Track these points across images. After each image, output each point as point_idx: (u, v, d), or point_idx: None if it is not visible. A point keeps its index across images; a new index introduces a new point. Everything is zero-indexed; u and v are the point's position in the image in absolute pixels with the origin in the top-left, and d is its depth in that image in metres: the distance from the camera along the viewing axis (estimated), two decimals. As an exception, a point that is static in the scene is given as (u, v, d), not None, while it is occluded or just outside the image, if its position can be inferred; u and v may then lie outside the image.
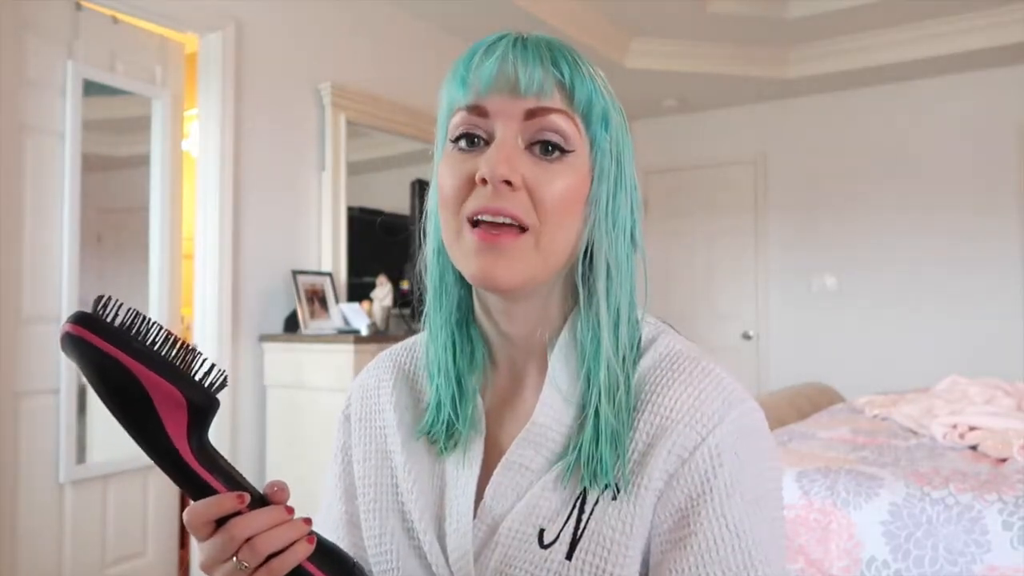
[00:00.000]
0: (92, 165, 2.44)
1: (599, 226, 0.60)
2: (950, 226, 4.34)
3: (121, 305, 0.52)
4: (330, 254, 3.08)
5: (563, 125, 0.58)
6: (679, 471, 0.57)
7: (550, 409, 0.61)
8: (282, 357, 2.77)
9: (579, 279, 0.62)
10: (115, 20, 2.53)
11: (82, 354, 0.51)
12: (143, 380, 0.51)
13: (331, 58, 3.16)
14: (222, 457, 0.55)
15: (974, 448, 1.92)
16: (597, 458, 0.57)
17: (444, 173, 0.60)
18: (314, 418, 2.65)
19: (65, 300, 2.33)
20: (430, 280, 0.66)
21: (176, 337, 0.53)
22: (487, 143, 0.59)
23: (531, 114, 0.58)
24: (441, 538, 0.63)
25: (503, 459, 0.62)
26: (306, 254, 3.04)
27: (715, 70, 4.38)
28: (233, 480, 0.54)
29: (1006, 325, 4.17)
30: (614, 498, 0.58)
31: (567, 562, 0.57)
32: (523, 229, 0.57)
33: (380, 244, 3.28)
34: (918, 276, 4.41)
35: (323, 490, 0.76)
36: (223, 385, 0.54)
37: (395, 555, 0.65)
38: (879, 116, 4.57)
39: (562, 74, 0.58)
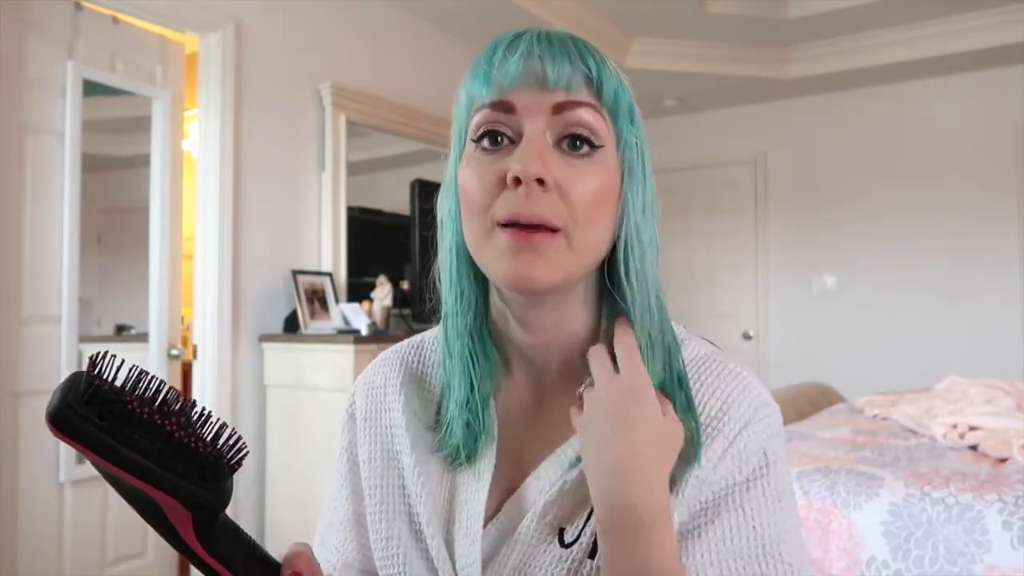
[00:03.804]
0: (92, 165, 2.44)
1: (631, 226, 0.59)
2: (950, 226, 4.34)
3: (119, 368, 0.46)
4: (330, 254, 3.08)
5: (591, 119, 0.57)
6: (708, 476, 0.58)
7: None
8: (282, 357, 2.77)
9: (608, 282, 0.61)
10: (115, 20, 2.53)
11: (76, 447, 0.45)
12: (139, 488, 0.46)
13: (331, 58, 3.16)
14: (240, 538, 0.53)
15: (974, 448, 1.92)
16: None
17: (467, 175, 0.58)
18: (314, 418, 2.65)
19: (65, 300, 2.33)
20: (448, 287, 0.63)
21: (180, 402, 0.48)
22: (512, 142, 0.57)
23: (559, 108, 0.56)
24: (449, 543, 0.62)
25: (533, 474, 0.61)
26: (306, 254, 3.04)
27: (715, 70, 4.38)
28: (249, 565, 0.52)
29: (1006, 325, 4.17)
30: None
31: (589, 561, 0.57)
32: (554, 230, 0.55)
33: (380, 244, 3.28)
34: (918, 276, 4.41)
35: (326, 490, 0.74)
36: (240, 461, 0.50)
37: (402, 559, 0.64)
38: (879, 116, 4.57)
39: (589, 68, 0.57)
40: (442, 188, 0.65)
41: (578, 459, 0.60)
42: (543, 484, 0.61)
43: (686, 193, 5.15)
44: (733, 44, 4.30)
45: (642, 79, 4.42)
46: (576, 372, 0.62)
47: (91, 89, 2.42)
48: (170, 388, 0.48)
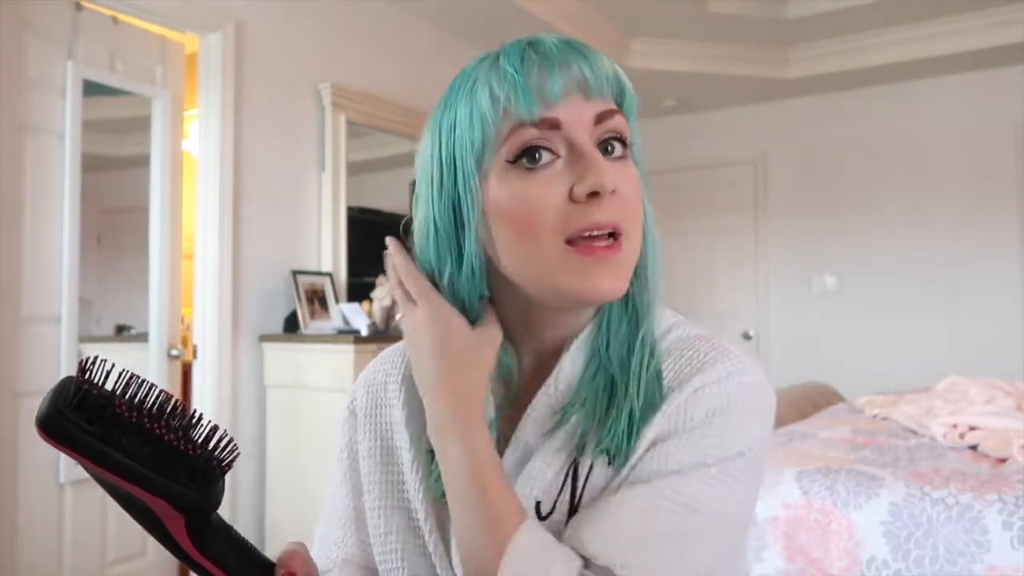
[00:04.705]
0: (92, 165, 2.44)
1: (649, 220, 0.62)
2: (950, 226, 4.34)
3: (108, 372, 0.46)
4: (330, 254, 3.08)
5: (622, 125, 0.59)
6: (664, 425, 0.58)
7: (552, 388, 0.62)
8: (282, 357, 2.77)
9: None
10: (115, 20, 2.53)
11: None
12: (131, 492, 0.47)
13: (331, 58, 3.16)
14: (233, 539, 0.53)
15: (974, 448, 1.92)
16: (618, 435, 0.57)
17: (514, 197, 0.56)
18: (314, 418, 2.65)
19: (65, 300, 2.32)
20: (467, 307, 0.61)
21: (170, 406, 0.48)
22: (554, 155, 0.56)
23: (600, 118, 0.57)
24: (446, 539, 0.63)
25: (512, 439, 0.62)
26: (306, 254, 3.04)
27: (715, 70, 4.39)
28: (242, 564, 0.53)
29: (1006, 325, 4.17)
30: (610, 463, 0.58)
31: (567, 529, 0.57)
32: (616, 236, 0.56)
33: (380, 244, 3.27)
34: (918, 276, 4.41)
35: (327, 486, 0.75)
36: (230, 463, 0.50)
37: (400, 553, 0.65)
38: (879, 116, 4.57)
39: (615, 72, 0.59)
40: (431, 211, 0.61)
41: (544, 435, 0.61)
42: (508, 464, 0.62)
43: (686, 193, 5.15)
44: (733, 44, 4.30)
45: (642, 79, 4.42)
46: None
47: (91, 89, 2.42)
48: (161, 392, 0.48)
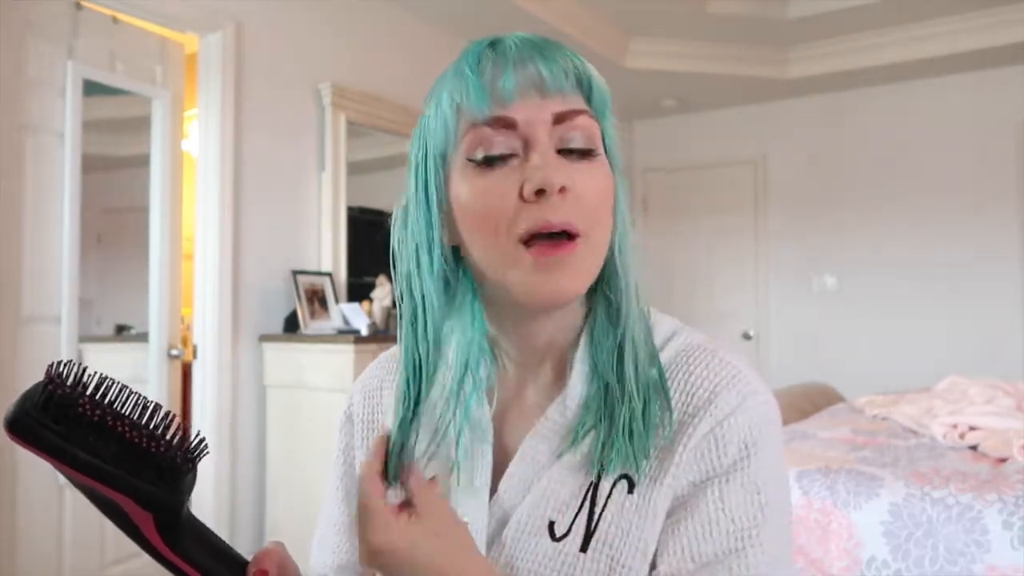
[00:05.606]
0: (92, 165, 2.43)
1: (622, 221, 0.60)
2: (950, 226, 4.34)
3: (83, 373, 0.47)
4: (330, 254, 3.08)
5: (588, 124, 0.58)
6: (688, 464, 0.57)
7: (562, 406, 0.61)
8: (282, 357, 2.77)
9: (602, 278, 0.61)
10: (115, 20, 2.53)
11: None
12: (100, 491, 0.48)
13: (331, 58, 3.16)
14: (205, 536, 0.53)
15: (974, 448, 1.92)
16: (622, 449, 0.57)
17: (473, 195, 0.57)
18: (314, 418, 2.65)
19: (65, 300, 2.32)
20: (451, 311, 0.61)
21: (141, 406, 0.49)
22: (512, 156, 0.56)
23: (560, 118, 0.56)
24: None
25: (518, 453, 0.61)
26: (306, 254, 3.04)
27: (715, 70, 4.39)
28: (214, 561, 0.53)
29: (1006, 325, 4.17)
30: (630, 491, 0.57)
31: (582, 554, 0.57)
32: (572, 236, 0.55)
33: (380, 244, 3.27)
34: (918, 276, 4.41)
35: (324, 492, 0.75)
36: (199, 458, 0.50)
37: None
38: (879, 116, 4.57)
39: (578, 70, 0.58)
40: (408, 209, 0.61)
41: (558, 455, 0.60)
42: (520, 483, 0.61)
43: (686, 193, 5.15)
44: (733, 44, 4.30)
45: (642, 79, 4.43)
46: (564, 362, 0.63)
47: (91, 89, 2.42)
48: (134, 393, 0.49)
